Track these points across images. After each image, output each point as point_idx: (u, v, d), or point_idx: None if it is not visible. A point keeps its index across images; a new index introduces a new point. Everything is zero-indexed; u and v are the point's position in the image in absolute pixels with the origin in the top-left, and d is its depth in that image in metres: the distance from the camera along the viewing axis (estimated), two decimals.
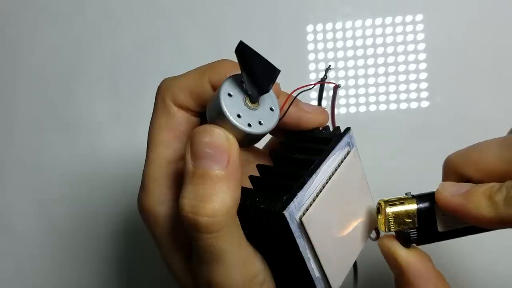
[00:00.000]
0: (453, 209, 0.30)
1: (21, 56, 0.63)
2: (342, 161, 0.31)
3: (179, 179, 0.30)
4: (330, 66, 0.35)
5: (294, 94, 0.32)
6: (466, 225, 0.32)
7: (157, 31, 0.60)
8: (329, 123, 0.34)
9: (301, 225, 0.27)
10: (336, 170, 0.30)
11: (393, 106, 0.55)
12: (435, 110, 0.54)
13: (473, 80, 0.53)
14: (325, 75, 0.35)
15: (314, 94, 0.55)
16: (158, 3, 0.60)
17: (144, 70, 0.60)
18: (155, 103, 0.32)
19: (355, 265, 0.35)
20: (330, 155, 0.30)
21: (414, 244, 0.33)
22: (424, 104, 0.54)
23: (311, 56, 0.56)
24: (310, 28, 0.56)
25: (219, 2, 0.58)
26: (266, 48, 0.56)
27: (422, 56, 0.54)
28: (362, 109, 0.55)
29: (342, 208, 0.31)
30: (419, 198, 0.32)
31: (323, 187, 0.29)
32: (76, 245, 0.60)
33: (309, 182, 0.28)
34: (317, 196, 0.28)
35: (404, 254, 0.32)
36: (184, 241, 0.31)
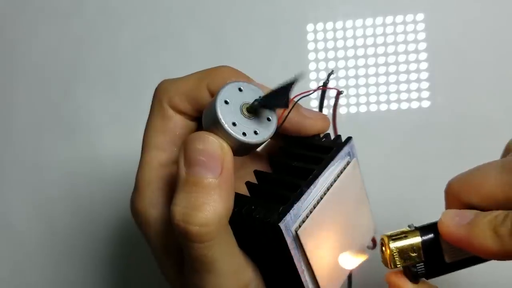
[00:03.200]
0: (457, 241, 0.29)
1: (20, 56, 0.62)
2: (341, 172, 0.30)
3: (173, 183, 0.30)
4: (332, 71, 0.34)
5: (295, 100, 0.31)
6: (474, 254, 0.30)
7: (157, 31, 0.59)
8: (331, 130, 0.33)
9: (297, 237, 0.27)
10: (334, 181, 0.29)
11: (394, 106, 0.54)
12: (436, 110, 0.53)
13: (474, 79, 0.53)
14: (327, 80, 0.34)
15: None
16: (158, 3, 0.59)
17: (143, 70, 0.59)
18: (151, 104, 0.32)
19: (349, 276, 0.34)
20: (330, 165, 0.29)
21: (423, 279, 0.31)
22: (425, 104, 0.54)
23: (312, 56, 0.56)
24: (310, 27, 0.56)
25: (219, 2, 0.58)
26: (266, 48, 0.56)
27: (423, 56, 0.54)
28: (363, 109, 0.55)
29: (339, 220, 0.30)
30: (422, 229, 0.31)
31: (321, 198, 0.28)
32: (75, 245, 0.61)
33: (306, 193, 0.27)
34: (314, 207, 0.28)
35: None
36: (176, 245, 0.30)
